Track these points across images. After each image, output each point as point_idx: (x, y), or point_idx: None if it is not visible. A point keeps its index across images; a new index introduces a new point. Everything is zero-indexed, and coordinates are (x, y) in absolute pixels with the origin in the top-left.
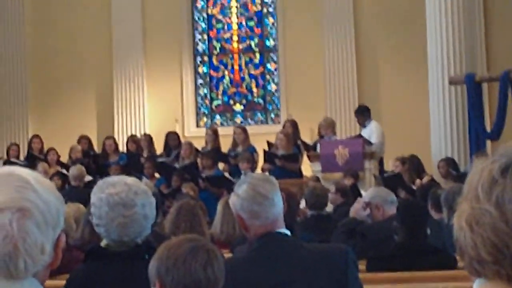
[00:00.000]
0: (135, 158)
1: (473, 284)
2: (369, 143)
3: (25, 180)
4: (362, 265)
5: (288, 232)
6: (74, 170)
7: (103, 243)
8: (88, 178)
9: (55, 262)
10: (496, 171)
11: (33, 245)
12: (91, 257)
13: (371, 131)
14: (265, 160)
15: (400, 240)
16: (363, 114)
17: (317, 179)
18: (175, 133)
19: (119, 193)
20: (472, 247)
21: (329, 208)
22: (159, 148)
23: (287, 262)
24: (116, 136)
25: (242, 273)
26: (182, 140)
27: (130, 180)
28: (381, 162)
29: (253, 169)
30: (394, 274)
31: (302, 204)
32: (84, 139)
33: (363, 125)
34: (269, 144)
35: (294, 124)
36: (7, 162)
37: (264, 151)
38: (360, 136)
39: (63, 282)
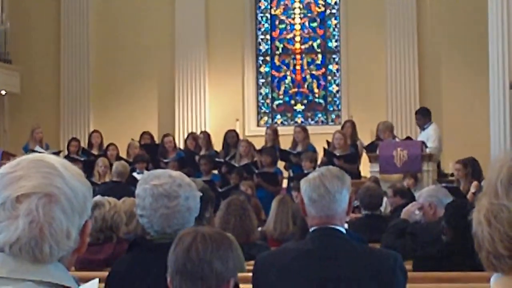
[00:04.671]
0: (192, 156)
1: None
2: (425, 146)
3: (53, 166)
4: (409, 265)
5: (344, 230)
6: (118, 166)
7: (148, 235)
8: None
9: (81, 248)
10: None
11: (58, 230)
12: (134, 248)
13: (429, 134)
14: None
15: (447, 240)
16: (424, 115)
17: (375, 180)
18: (234, 131)
19: (163, 185)
20: (489, 242)
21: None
22: (218, 146)
23: (336, 258)
24: (176, 134)
25: (290, 262)
26: (241, 138)
27: (175, 173)
28: (438, 165)
29: (315, 168)
30: (440, 274)
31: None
32: (146, 135)
33: (422, 127)
34: (328, 143)
35: (353, 125)
36: (67, 157)
37: (324, 149)
38: (409, 138)
39: None
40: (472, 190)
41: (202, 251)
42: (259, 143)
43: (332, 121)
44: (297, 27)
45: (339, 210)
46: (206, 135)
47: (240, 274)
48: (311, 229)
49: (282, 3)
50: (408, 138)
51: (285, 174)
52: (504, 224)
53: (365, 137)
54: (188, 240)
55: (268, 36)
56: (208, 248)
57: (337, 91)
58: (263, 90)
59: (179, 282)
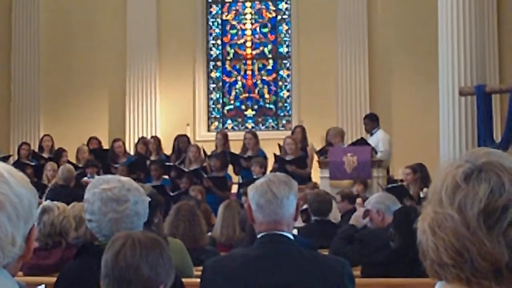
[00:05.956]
0: (142, 160)
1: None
2: (375, 151)
3: None
4: (357, 271)
5: (291, 236)
6: (64, 171)
7: (97, 241)
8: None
9: (27, 255)
10: (459, 177)
11: (3, 237)
12: (82, 253)
13: (377, 140)
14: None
15: (395, 246)
16: (371, 120)
17: (314, 186)
18: (185, 136)
19: (112, 189)
20: (433, 251)
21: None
22: (168, 151)
23: (283, 265)
24: (127, 139)
25: (238, 268)
26: (192, 143)
27: (124, 178)
28: (388, 171)
29: (264, 173)
30: (387, 280)
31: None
32: (94, 140)
33: (370, 132)
34: (280, 147)
35: (303, 130)
36: (18, 161)
37: (275, 155)
38: (362, 139)
39: None
40: (422, 195)
41: (130, 257)
42: (209, 148)
43: (283, 126)
44: (248, 32)
45: (287, 215)
46: (157, 140)
47: (188, 280)
48: (258, 235)
49: (233, 8)
50: (362, 139)
51: (235, 179)
52: (448, 233)
53: (315, 143)
54: (118, 244)
55: (219, 41)
56: (136, 253)
57: (288, 97)
58: (214, 95)
59: (107, 285)
